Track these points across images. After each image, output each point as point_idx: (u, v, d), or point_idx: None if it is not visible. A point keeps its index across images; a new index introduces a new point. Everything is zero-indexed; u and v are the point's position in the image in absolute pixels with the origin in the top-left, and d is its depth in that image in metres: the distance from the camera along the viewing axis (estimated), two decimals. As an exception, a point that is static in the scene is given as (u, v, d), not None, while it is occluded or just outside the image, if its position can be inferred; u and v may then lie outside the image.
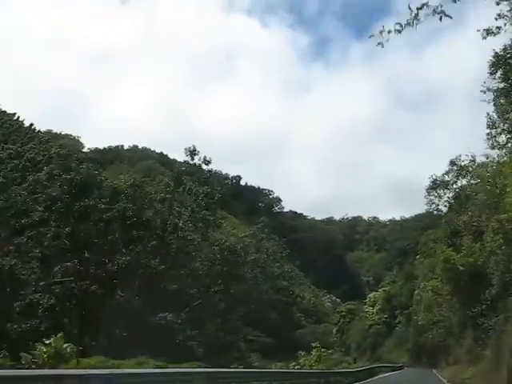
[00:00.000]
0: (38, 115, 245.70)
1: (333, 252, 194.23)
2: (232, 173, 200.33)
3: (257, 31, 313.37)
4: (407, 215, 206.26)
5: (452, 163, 41.69)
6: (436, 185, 42.12)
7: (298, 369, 43.90)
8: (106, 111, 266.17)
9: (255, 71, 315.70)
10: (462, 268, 34.21)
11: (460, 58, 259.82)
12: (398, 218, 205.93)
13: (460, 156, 41.29)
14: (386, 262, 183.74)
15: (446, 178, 41.89)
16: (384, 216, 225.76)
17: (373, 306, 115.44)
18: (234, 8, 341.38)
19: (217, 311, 28.75)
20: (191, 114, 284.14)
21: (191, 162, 28.57)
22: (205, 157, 27.23)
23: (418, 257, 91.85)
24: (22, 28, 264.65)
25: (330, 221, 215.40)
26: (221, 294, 28.05)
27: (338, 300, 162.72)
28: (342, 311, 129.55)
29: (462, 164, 40.82)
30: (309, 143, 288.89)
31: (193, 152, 27.99)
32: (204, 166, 27.32)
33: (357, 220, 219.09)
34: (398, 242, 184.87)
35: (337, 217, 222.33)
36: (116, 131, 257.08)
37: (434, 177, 42.16)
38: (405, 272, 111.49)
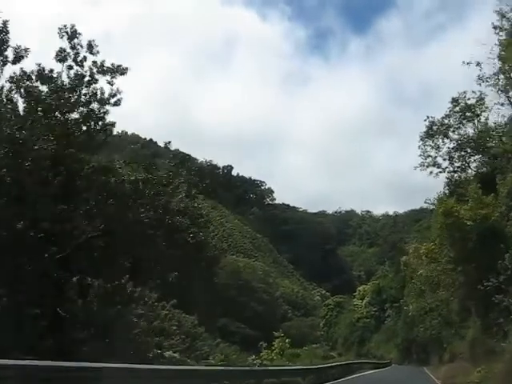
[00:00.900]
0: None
1: (324, 245, 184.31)
2: (225, 164, 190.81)
3: (255, 23, 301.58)
4: (401, 211, 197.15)
5: (454, 102, 30.83)
6: (433, 131, 31.12)
7: (258, 364, 33.05)
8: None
9: (253, 63, 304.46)
10: (469, 223, 23.70)
11: (459, 54, 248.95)
12: (392, 213, 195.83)
13: (465, 93, 30.54)
14: (378, 256, 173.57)
15: (447, 121, 31.02)
16: (377, 211, 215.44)
17: (362, 299, 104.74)
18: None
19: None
20: (187, 104, 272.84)
21: (69, 51, 17.46)
22: (90, 42, 16.46)
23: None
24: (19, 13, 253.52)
25: (322, 214, 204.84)
26: (101, 240, 16.57)
27: (328, 294, 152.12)
28: (329, 304, 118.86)
29: (468, 102, 30.09)
30: (305, 137, 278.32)
31: (72, 35, 17.34)
32: (90, 58, 16.21)
33: (350, 214, 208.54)
34: (390, 236, 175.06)
35: (330, 211, 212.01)
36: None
37: (431, 119, 31.27)
38: (396, 263, 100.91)
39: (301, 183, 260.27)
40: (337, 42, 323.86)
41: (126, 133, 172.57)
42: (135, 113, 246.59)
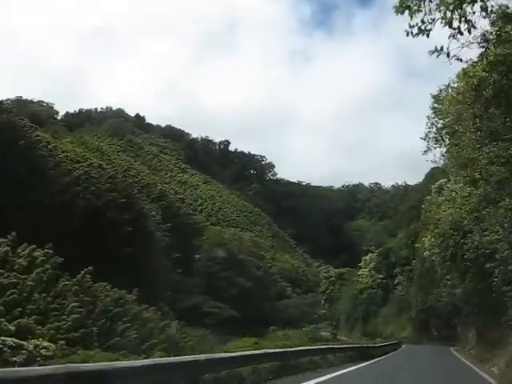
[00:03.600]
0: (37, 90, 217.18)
1: (331, 220, 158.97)
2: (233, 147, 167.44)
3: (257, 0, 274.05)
4: (412, 183, 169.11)
5: None
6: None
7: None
8: (105, 85, 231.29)
9: (257, 41, 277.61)
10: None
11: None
12: (401, 183, 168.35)
13: None
14: (389, 229, 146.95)
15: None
16: (387, 183, 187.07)
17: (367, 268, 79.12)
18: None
19: None
20: (191, 85, 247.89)
21: None
22: None
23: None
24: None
25: (328, 189, 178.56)
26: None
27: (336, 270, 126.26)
28: (330, 277, 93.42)
29: None
30: (311, 114, 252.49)
31: None
32: None
33: (358, 187, 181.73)
34: (401, 206, 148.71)
35: (337, 186, 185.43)
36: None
37: None
38: (407, 219, 75.78)
39: (307, 161, 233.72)
40: (342, 15, 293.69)
41: (111, 108, 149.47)
42: (141, 97, 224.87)
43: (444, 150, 22.54)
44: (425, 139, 22.47)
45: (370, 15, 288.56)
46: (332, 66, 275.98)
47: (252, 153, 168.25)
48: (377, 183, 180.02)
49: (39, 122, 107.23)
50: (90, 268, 39.79)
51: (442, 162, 22.94)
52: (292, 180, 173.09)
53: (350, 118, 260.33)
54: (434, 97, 20.40)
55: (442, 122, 22.04)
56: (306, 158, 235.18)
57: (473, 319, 29.59)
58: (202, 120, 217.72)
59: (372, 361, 22.05)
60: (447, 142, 22.85)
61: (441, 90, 19.85)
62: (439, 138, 22.53)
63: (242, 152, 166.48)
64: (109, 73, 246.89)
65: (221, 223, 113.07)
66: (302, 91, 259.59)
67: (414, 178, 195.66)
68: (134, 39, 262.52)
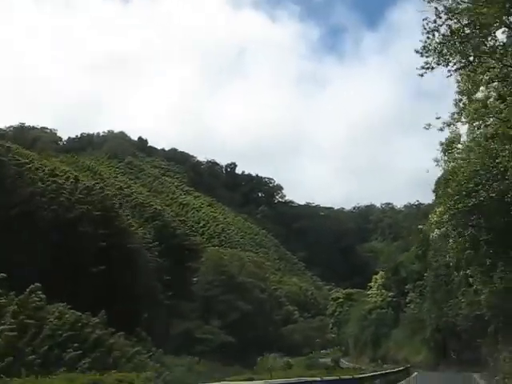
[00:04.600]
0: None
1: (343, 242, 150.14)
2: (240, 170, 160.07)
3: (266, 26, 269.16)
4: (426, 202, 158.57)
5: None
6: None
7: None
8: (116, 113, 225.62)
9: (267, 67, 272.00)
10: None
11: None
12: (414, 202, 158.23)
13: None
14: (403, 249, 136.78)
15: None
16: (399, 203, 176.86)
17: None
18: (240, 3, 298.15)
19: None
20: (198, 110, 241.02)
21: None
22: None
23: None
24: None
25: (340, 211, 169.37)
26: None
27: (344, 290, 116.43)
28: (338, 298, 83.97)
29: None
30: (322, 138, 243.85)
31: None
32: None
33: (369, 208, 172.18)
34: (415, 225, 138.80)
35: (348, 207, 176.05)
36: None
37: None
38: (420, 230, 66.39)
39: (317, 185, 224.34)
40: (350, 38, 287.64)
41: (112, 132, 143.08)
42: (145, 122, 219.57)
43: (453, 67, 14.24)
44: (422, 53, 14.22)
45: (379, 36, 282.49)
46: (341, 89, 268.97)
47: (260, 175, 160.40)
48: (389, 203, 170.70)
49: (39, 146, 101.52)
50: (38, 285, 30.79)
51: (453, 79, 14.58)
52: (301, 202, 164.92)
53: (360, 140, 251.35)
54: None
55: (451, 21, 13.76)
56: (317, 182, 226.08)
57: (505, 336, 20.71)
58: (209, 146, 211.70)
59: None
60: (455, 60, 14.56)
61: None
62: (445, 51, 14.23)
63: (250, 175, 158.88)
64: (115, 99, 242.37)
65: (223, 245, 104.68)
66: (312, 115, 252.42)
67: (428, 197, 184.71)
68: (139, 65, 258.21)
